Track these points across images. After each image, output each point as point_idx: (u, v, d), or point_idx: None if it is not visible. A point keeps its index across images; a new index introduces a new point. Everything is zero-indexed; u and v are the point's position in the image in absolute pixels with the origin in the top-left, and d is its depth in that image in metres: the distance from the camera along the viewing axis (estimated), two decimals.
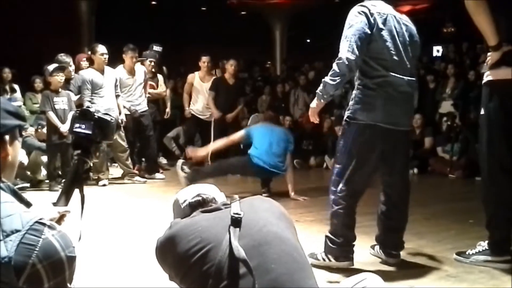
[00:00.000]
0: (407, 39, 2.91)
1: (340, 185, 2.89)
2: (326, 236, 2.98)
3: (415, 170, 7.32)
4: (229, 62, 7.26)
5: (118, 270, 2.96)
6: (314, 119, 3.02)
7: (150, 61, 7.25)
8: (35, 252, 1.07)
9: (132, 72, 6.75)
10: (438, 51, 14.20)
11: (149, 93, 7.18)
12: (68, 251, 1.14)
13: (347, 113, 2.94)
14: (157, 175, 6.91)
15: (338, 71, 2.77)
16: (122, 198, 5.52)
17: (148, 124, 6.84)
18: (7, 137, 1.22)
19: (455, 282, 2.75)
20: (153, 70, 7.33)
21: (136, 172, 6.73)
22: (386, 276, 1.85)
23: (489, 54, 2.92)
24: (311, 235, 3.54)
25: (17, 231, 1.07)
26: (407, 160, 3.16)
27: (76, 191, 1.59)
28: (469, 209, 4.73)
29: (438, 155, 7.66)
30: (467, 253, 3.06)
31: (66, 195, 1.55)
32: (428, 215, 4.35)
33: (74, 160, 1.64)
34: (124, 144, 6.45)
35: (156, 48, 7.53)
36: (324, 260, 2.95)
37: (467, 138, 7.27)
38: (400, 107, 2.90)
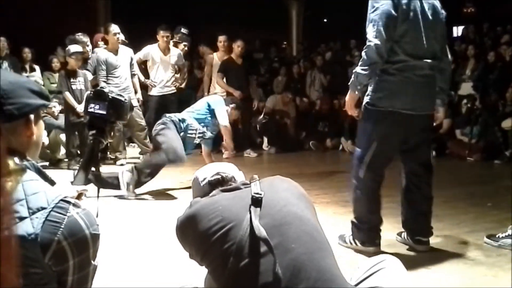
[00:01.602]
0: (431, 18, 2.81)
1: (362, 170, 2.86)
2: (352, 222, 2.97)
3: (433, 153, 7.23)
4: (236, 43, 7.18)
5: (136, 248, 3.00)
6: (352, 112, 2.93)
7: (185, 45, 7.25)
8: (61, 229, 1.09)
9: (165, 53, 6.75)
10: (458, 32, 13.94)
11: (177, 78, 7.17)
12: (93, 229, 1.16)
13: (366, 99, 2.88)
14: None
15: (368, 59, 2.70)
16: None
17: (172, 103, 6.82)
18: (32, 116, 1.23)
19: (473, 265, 2.74)
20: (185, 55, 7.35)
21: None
22: (403, 258, 1.85)
23: None
24: (327, 217, 3.55)
25: (43, 208, 1.09)
26: (429, 144, 3.10)
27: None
28: (487, 192, 4.70)
29: (457, 138, 7.57)
30: (497, 236, 3.04)
31: (83, 175, 1.57)
32: (446, 198, 4.31)
33: (90, 140, 1.66)
34: (142, 122, 6.47)
35: (184, 31, 7.51)
36: (351, 243, 2.96)
37: (487, 121, 7.16)
38: (421, 92, 2.83)
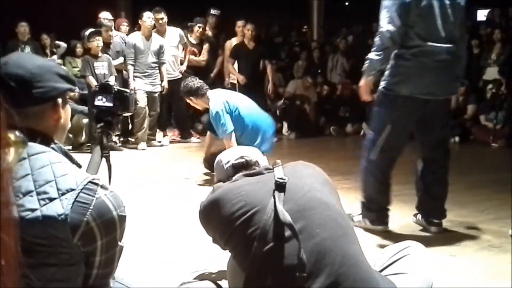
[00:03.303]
0: (448, 2, 2.79)
1: (373, 153, 2.90)
2: (361, 202, 3.05)
3: (457, 139, 7.14)
4: (246, 26, 7.07)
5: (158, 232, 3.04)
6: (367, 97, 2.96)
7: (199, 27, 7.21)
8: (90, 210, 1.10)
9: (162, 35, 6.67)
10: (483, 15, 13.60)
11: (189, 59, 7.15)
12: (120, 211, 1.17)
13: (382, 83, 2.90)
14: (192, 139, 7.01)
15: (381, 44, 2.73)
16: (154, 163, 5.57)
17: (178, 92, 6.84)
18: (59, 100, 1.24)
19: (498, 252, 2.71)
20: (201, 36, 7.27)
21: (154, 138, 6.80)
22: (427, 245, 1.83)
23: None
24: (349, 202, 3.52)
25: (72, 190, 1.10)
26: (447, 128, 3.11)
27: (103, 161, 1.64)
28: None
29: (481, 124, 7.43)
30: None
31: (94, 165, 1.59)
32: (470, 185, 4.26)
33: (98, 132, 1.68)
34: (157, 109, 6.55)
35: (214, 11, 7.45)
36: (360, 223, 3.03)
37: None
38: (438, 76, 2.82)
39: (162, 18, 6.68)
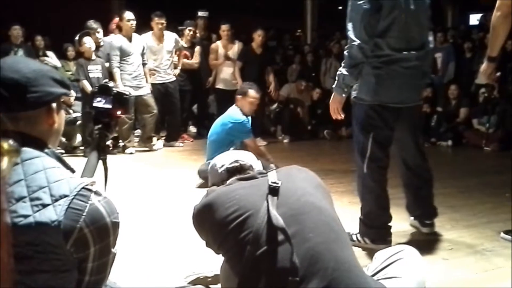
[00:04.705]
0: (413, 7, 2.69)
1: (365, 165, 2.80)
2: (360, 219, 2.87)
3: (450, 142, 7.19)
4: (256, 32, 7.14)
5: (151, 236, 3.03)
6: (338, 115, 2.83)
7: (190, 30, 7.22)
8: (83, 217, 1.10)
9: (160, 40, 6.74)
10: (475, 20, 13.70)
11: (182, 63, 7.16)
12: (113, 217, 1.17)
13: (353, 93, 2.83)
14: (176, 143, 6.93)
15: (353, 59, 2.63)
16: (147, 167, 5.55)
17: (172, 92, 6.84)
18: (54, 105, 1.24)
19: (490, 256, 2.72)
20: (192, 39, 7.31)
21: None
22: (420, 249, 1.84)
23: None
24: (342, 206, 3.54)
25: (65, 196, 1.10)
26: (419, 133, 3.04)
27: (100, 163, 1.64)
28: (505, 183, 4.61)
29: (474, 127, 7.48)
30: None
31: (90, 168, 1.59)
32: (463, 188, 4.28)
33: (96, 134, 1.68)
34: (154, 110, 6.53)
35: (201, 13, 7.47)
36: (360, 242, 2.85)
37: (504, 110, 7.05)
38: (408, 84, 2.76)
39: (162, 23, 6.69)
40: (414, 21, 2.71)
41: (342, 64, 2.69)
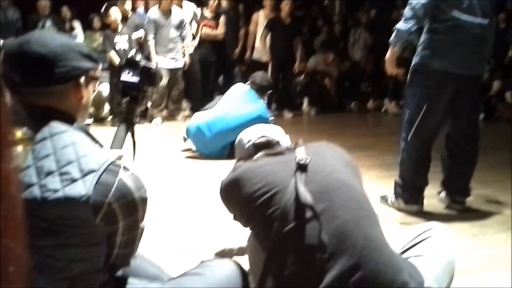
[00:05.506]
0: None
1: (411, 133, 2.85)
2: (395, 181, 2.99)
3: (482, 116, 7.00)
4: (284, 1, 7.01)
5: (180, 209, 3.06)
6: (392, 70, 2.93)
7: (214, 0, 7.14)
8: (111, 192, 1.10)
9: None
10: None
11: (207, 34, 7.07)
12: (141, 192, 1.17)
13: (415, 59, 2.85)
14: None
15: (409, 15, 2.69)
16: (174, 138, 5.48)
17: (193, 65, 6.77)
18: (82, 79, 1.23)
19: None
20: (217, 9, 7.19)
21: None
22: (450, 224, 1.80)
23: None
24: (369, 181, 3.50)
25: (94, 171, 1.10)
26: (477, 106, 3.05)
27: (128, 135, 1.64)
28: None
29: (507, 101, 7.26)
30: None
31: (119, 139, 1.60)
32: (495, 163, 4.18)
33: (124, 107, 1.68)
34: (182, 84, 6.55)
35: None
36: (393, 203, 2.99)
37: None
38: (471, 51, 2.77)
39: None
40: None
41: (401, 20, 2.76)
